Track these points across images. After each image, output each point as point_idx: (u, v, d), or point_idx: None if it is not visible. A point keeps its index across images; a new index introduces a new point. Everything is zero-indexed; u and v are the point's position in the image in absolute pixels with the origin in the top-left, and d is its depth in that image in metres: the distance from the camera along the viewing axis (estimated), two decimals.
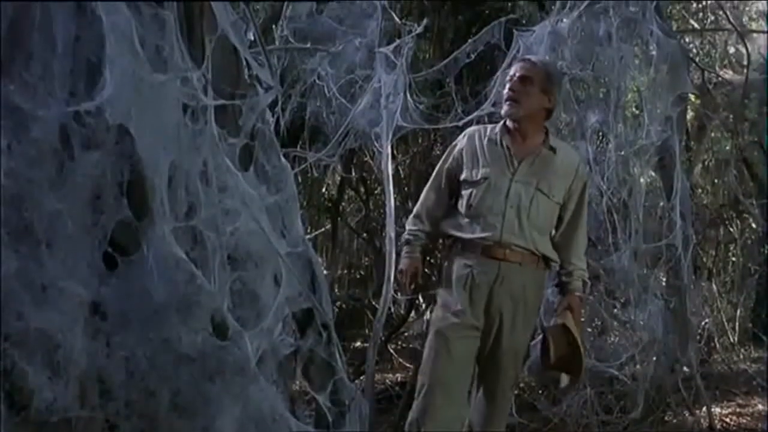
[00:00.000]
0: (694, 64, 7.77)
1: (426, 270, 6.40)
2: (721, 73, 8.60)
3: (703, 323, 8.47)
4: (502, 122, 4.07)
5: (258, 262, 3.05)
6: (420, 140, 8.08)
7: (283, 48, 6.34)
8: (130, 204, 2.57)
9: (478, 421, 3.99)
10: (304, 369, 3.36)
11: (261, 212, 3.10)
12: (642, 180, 6.39)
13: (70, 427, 2.41)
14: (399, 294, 4.53)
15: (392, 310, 7.18)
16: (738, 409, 7.30)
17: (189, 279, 2.62)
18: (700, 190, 10.19)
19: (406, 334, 9.52)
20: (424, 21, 6.44)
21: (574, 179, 4.02)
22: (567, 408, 6.12)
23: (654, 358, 6.25)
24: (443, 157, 4.22)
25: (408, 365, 8.19)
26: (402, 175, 8.36)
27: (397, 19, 6.31)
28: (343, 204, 10.24)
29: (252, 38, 3.81)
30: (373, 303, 8.01)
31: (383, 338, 7.17)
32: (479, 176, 3.95)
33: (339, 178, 9.41)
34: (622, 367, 6.20)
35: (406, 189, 8.21)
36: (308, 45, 6.45)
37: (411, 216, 4.25)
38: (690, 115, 8.70)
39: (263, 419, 2.77)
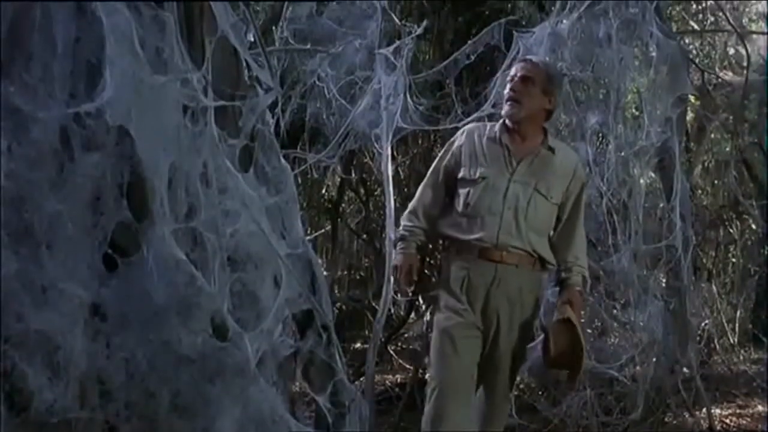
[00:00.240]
0: (693, 66, 7.77)
1: (426, 271, 6.41)
2: (720, 74, 8.60)
3: (703, 324, 8.47)
4: (501, 121, 4.03)
5: (258, 263, 3.05)
6: (420, 141, 8.08)
7: (283, 49, 6.35)
8: (130, 205, 2.57)
9: (477, 421, 3.96)
10: (304, 370, 3.36)
11: (261, 213, 3.10)
12: (642, 181, 6.39)
13: (70, 428, 2.41)
14: (399, 294, 4.46)
15: (392, 311, 7.18)
16: (738, 411, 7.31)
17: (189, 280, 2.62)
18: (700, 192, 10.19)
19: (406, 335, 9.52)
20: (424, 22, 6.44)
21: (572, 180, 3.98)
22: (567, 409, 6.12)
23: (654, 360, 6.25)
24: (441, 153, 4.18)
25: (408, 366, 8.19)
26: (402, 177, 8.36)
27: (396, 21, 6.31)
28: (343, 205, 10.24)
29: (252, 39, 3.81)
30: (373, 304, 8.01)
31: (383, 339, 7.17)
32: (477, 175, 3.91)
33: (339, 180, 9.40)
34: (622, 369, 6.19)
35: (406, 190, 8.20)
36: (308, 46, 6.46)
37: (406, 212, 4.20)
38: (690, 116, 8.71)
39: (263, 420, 2.77)
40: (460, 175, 3.96)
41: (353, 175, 8.98)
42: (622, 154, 6.10)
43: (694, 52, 9.35)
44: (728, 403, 7.47)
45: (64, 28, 2.50)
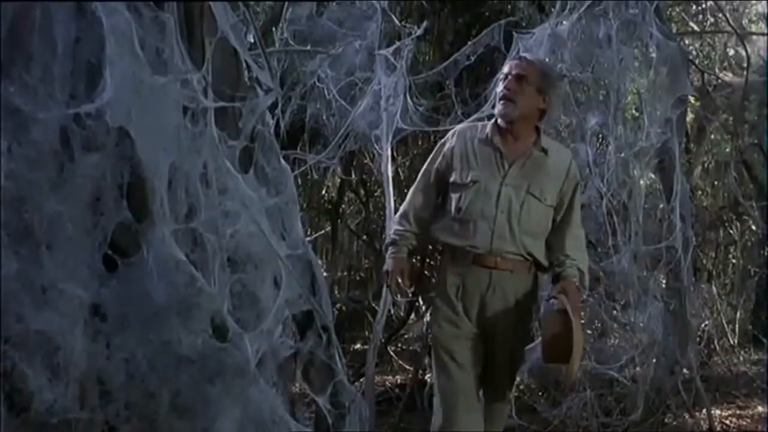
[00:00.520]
0: (693, 67, 7.78)
1: (426, 272, 6.41)
2: (720, 75, 8.60)
3: (703, 325, 8.46)
4: (493, 121, 3.95)
5: (258, 264, 3.05)
6: (420, 142, 8.08)
7: (283, 50, 6.35)
8: (130, 206, 2.57)
9: None
10: (304, 371, 3.36)
11: (261, 214, 3.10)
12: (642, 182, 6.38)
13: (70, 429, 2.41)
14: (399, 296, 4.42)
15: (392, 312, 7.18)
16: (738, 412, 7.30)
17: (189, 281, 2.63)
18: (699, 192, 10.19)
19: (406, 336, 9.50)
20: (424, 23, 6.44)
21: (565, 180, 3.90)
22: (567, 410, 6.12)
23: (654, 360, 6.24)
24: (431, 155, 4.09)
25: (408, 367, 8.19)
26: (402, 177, 8.34)
27: (396, 22, 6.31)
28: (343, 206, 10.24)
29: (252, 40, 3.81)
30: (373, 305, 8.02)
31: (383, 340, 7.16)
32: (469, 179, 3.83)
33: (339, 180, 9.41)
34: (622, 369, 6.19)
35: (406, 191, 8.17)
36: (308, 47, 6.46)
37: (397, 215, 4.14)
38: (690, 117, 8.70)
39: (263, 421, 2.77)
40: (452, 178, 3.89)
41: (353, 176, 8.99)
42: (622, 155, 6.10)
43: (694, 53, 9.35)
44: (728, 404, 7.47)
45: (64, 28, 2.51)
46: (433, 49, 8.08)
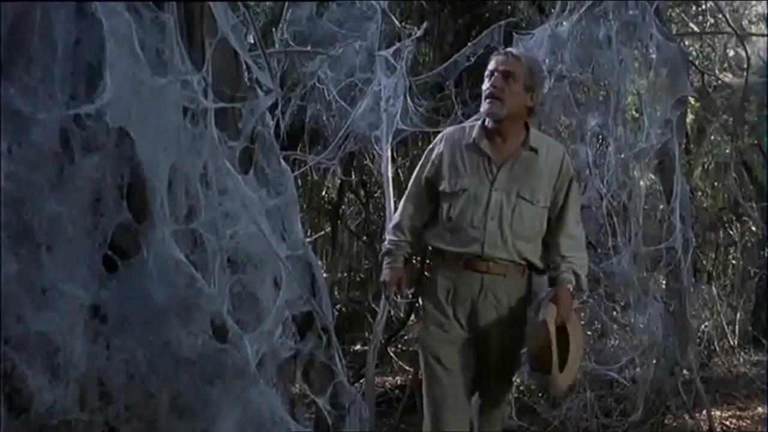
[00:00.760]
0: (693, 68, 7.78)
1: (426, 273, 6.41)
2: (720, 76, 8.61)
3: (703, 326, 8.47)
4: (480, 123, 3.84)
5: (258, 265, 3.05)
6: (420, 143, 8.06)
7: (283, 51, 6.35)
8: (130, 207, 2.57)
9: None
10: (304, 372, 3.36)
11: (261, 215, 3.10)
12: (642, 183, 6.38)
13: (70, 430, 2.41)
14: (398, 306, 4.32)
15: (392, 313, 7.17)
16: (738, 413, 7.30)
17: (189, 282, 2.63)
18: (699, 193, 10.18)
19: (406, 337, 9.50)
20: (424, 24, 6.45)
21: (558, 177, 3.78)
22: (567, 411, 6.12)
23: (654, 361, 6.24)
24: (421, 161, 3.98)
25: (408, 368, 8.18)
26: (402, 178, 8.33)
27: (396, 23, 6.31)
28: (343, 207, 10.24)
29: (252, 41, 3.81)
30: (373, 306, 8.01)
31: (383, 341, 7.15)
32: (458, 187, 3.73)
33: (339, 181, 9.41)
34: (621, 370, 6.19)
35: (405, 192, 8.20)
36: (308, 48, 6.46)
37: (391, 226, 4.04)
38: (690, 118, 8.70)
39: (263, 422, 2.77)
40: (441, 187, 3.80)
41: (353, 176, 8.99)
42: (622, 156, 6.09)
43: (694, 54, 9.35)
44: (728, 405, 7.47)
45: (65, 30, 2.51)
46: (433, 50, 8.08)
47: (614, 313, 6.68)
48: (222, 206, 2.92)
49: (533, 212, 3.73)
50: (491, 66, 3.79)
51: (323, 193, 10.00)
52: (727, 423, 6.97)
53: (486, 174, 3.73)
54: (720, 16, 8.82)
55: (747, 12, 10.06)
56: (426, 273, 4.19)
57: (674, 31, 8.04)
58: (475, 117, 5.57)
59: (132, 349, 2.52)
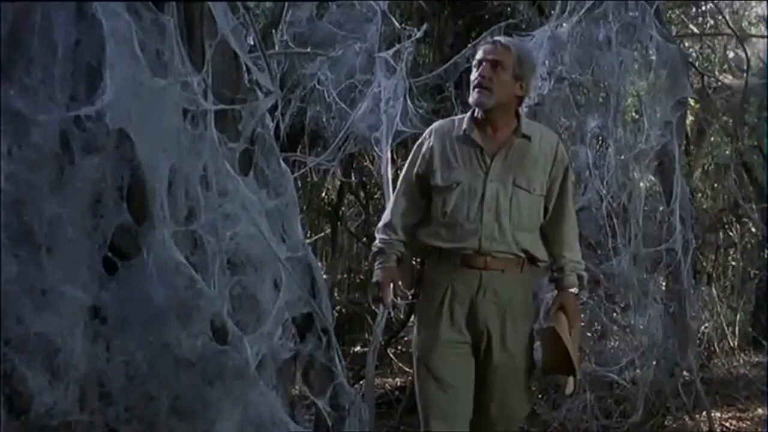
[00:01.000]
0: (693, 69, 7.77)
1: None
2: (720, 77, 8.61)
3: (702, 328, 8.46)
4: (469, 113, 3.69)
5: (258, 266, 3.06)
6: None
7: (283, 53, 6.35)
8: (130, 208, 2.58)
9: None
10: (303, 373, 3.37)
11: (261, 217, 3.10)
12: (641, 184, 6.37)
13: (70, 431, 2.41)
14: (393, 308, 4.10)
15: (392, 314, 7.16)
16: (738, 414, 7.30)
17: (189, 283, 2.63)
18: (699, 195, 10.18)
19: (405, 338, 9.49)
20: (424, 26, 6.44)
21: (553, 164, 3.65)
22: (567, 412, 6.11)
23: (654, 363, 6.24)
24: (410, 158, 3.82)
25: (408, 370, 8.17)
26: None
27: (396, 24, 6.31)
28: (343, 208, 10.24)
29: (252, 43, 3.81)
30: (373, 307, 8.01)
31: (383, 343, 7.15)
32: (451, 181, 3.60)
33: (339, 183, 9.41)
34: (621, 372, 6.18)
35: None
36: (308, 49, 6.46)
37: (381, 225, 3.82)
38: (690, 119, 8.70)
39: (263, 423, 2.77)
40: (433, 182, 3.65)
41: (353, 178, 8.99)
42: (622, 157, 6.09)
43: (694, 55, 9.35)
44: (728, 407, 7.46)
45: (65, 31, 2.51)
46: (433, 51, 8.08)
47: (614, 314, 6.66)
48: (222, 208, 2.92)
49: (531, 201, 3.62)
50: (479, 55, 3.66)
51: (323, 194, 10.00)
52: (727, 424, 6.97)
53: (479, 165, 3.61)
54: (720, 17, 8.83)
55: (747, 13, 10.07)
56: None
57: (674, 33, 8.04)
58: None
59: (132, 351, 2.53)
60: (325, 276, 4.50)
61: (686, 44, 9.09)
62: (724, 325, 9.59)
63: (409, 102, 5.94)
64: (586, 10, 5.88)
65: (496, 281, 3.56)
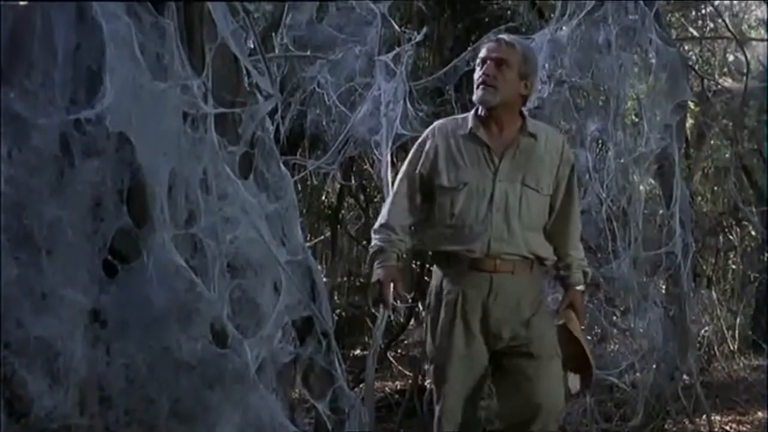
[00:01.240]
0: (693, 72, 7.77)
1: (426, 278, 6.42)
2: (720, 81, 8.61)
3: (702, 331, 8.46)
4: (473, 111, 3.61)
5: (258, 269, 3.06)
6: None
7: (283, 56, 6.35)
8: (130, 212, 2.58)
9: None
10: (303, 377, 3.37)
11: (261, 220, 3.10)
12: (641, 188, 6.38)
13: None
14: (393, 310, 3.92)
15: (392, 317, 7.16)
16: (738, 418, 7.29)
17: (189, 287, 2.63)
18: (699, 198, 10.18)
19: (405, 341, 9.51)
20: (424, 29, 6.44)
21: (560, 164, 3.59)
22: (567, 416, 6.10)
23: (654, 366, 6.23)
24: (410, 157, 3.70)
25: (408, 373, 8.18)
26: None
27: (396, 27, 6.31)
28: (343, 212, 10.23)
29: (252, 46, 3.81)
30: (373, 311, 8.00)
31: (383, 346, 7.16)
32: (458, 181, 3.51)
33: (339, 186, 9.40)
34: (621, 375, 6.18)
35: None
36: (308, 53, 6.46)
37: (378, 226, 3.68)
38: (689, 122, 8.71)
39: (263, 427, 2.77)
40: (439, 182, 3.56)
41: (353, 181, 8.98)
42: (622, 160, 6.09)
43: (694, 58, 9.35)
44: (728, 410, 7.45)
45: (65, 34, 2.51)
46: (432, 54, 8.08)
47: (614, 317, 6.66)
48: (222, 211, 2.92)
49: (540, 201, 3.56)
50: (483, 53, 3.59)
51: (323, 197, 10.00)
52: (727, 428, 6.96)
53: (487, 165, 3.52)
54: (720, 20, 8.82)
55: (746, 17, 10.08)
56: (427, 278, 4.04)
57: (674, 36, 8.04)
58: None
59: (132, 354, 2.52)
60: (324, 279, 4.50)
61: (686, 47, 9.09)
62: (724, 328, 9.59)
63: (409, 105, 5.93)
64: (586, 13, 5.89)
65: (506, 283, 3.50)
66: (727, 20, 8.38)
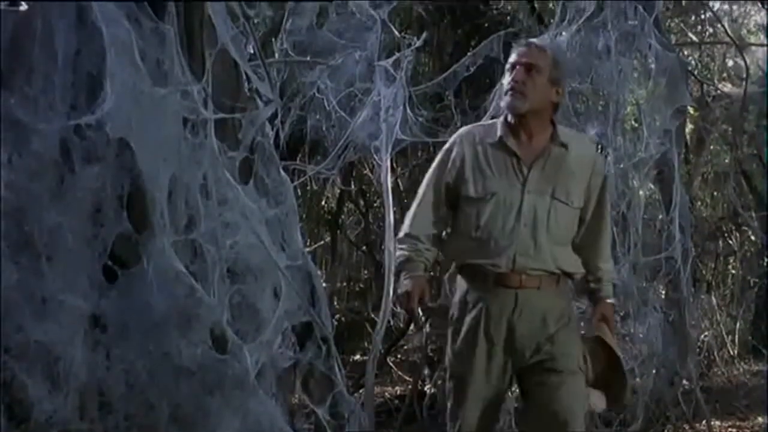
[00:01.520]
0: (692, 77, 7.79)
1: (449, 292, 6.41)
2: (719, 86, 8.64)
3: (702, 336, 8.47)
4: (502, 118, 3.43)
5: (258, 275, 3.06)
6: (419, 153, 8.07)
7: (283, 61, 6.35)
8: (130, 217, 2.58)
9: None
10: (303, 382, 3.37)
11: (261, 225, 3.11)
12: (641, 193, 6.38)
13: None
14: (412, 321, 3.78)
15: (391, 323, 7.17)
16: (738, 423, 7.29)
17: (189, 292, 2.63)
18: (699, 203, 10.19)
19: (405, 347, 9.51)
20: (424, 34, 6.45)
21: (591, 176, 3.41)
22: None
23: (654, 371, 6.24)
24: (436, 165, 3.52)
25: (407, 378, 8.18)
26: (401, 188, 8.36)
27: (396, 33, 6.32)
28: (343, 217, 10.26)
29: (252, 51, 3.82)
30: (373, 316, 8.01)
31: (382, 351, 7.16)
32: (485, 192, 3.34)
33: (338, 191, 9.42)
34: None
35: (405, 202, 8.21)
36: (308, 58, 6.46)
37: (402, 235, 3.53)
38: (689, 128, 8.72)
39: None
40: (465, 192, 3.38)
41: (353, 186, 9.00)
42: (621, 165, 6.10)
43: (693, 63, 9.37)
44: (728, 416, 7.46)
45: (65, 39, 2.52)
46: (432, 60, 8.10)
47: (614, 322, 6.67)
48: (222, 216, 2.92)
49: (569, 214, 3.39)
50: (512, 58, 3.41)
51: (323, 203, 10.01)
52: None
53: (516, 175, 3.35)
54: (719, 26, 8.86)
55: (746, 22, 10.10)
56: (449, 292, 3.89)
57: (673, 41, 8.06)
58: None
59: (132, 359, 2.52)
60: (324, 284, 4.50)
61: (685, 53, 9.12)
62: (723, 333, 9.60)
63: (408, 110, 5.94)
64: (586, 18, 5.89)
65: (532, 299, 3.34)
66: (727, 25, 8.41)
